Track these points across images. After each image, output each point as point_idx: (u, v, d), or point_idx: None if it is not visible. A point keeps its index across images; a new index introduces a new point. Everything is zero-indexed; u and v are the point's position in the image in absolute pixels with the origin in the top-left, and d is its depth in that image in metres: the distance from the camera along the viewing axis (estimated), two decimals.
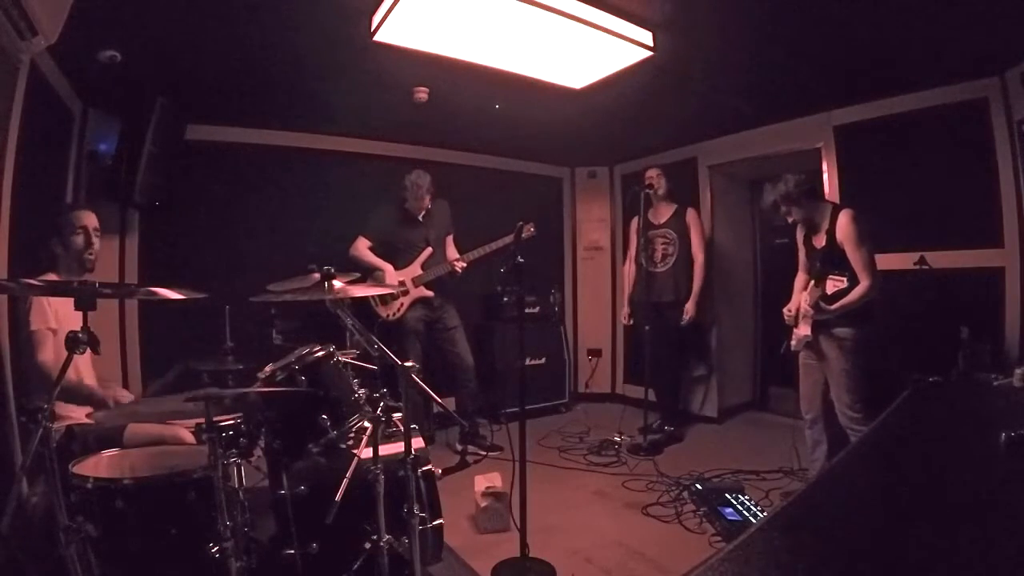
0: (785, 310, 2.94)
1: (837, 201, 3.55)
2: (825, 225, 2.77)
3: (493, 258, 3.67)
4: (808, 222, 2.87)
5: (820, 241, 2.82)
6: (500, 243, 3.65)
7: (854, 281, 2.63)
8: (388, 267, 3.71)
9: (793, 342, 2.88)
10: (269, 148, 4.05)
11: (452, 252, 3.90)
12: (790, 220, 2.90)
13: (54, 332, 2.02)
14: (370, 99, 3.55)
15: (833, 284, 2.64)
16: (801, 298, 2.87)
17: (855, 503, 1.02)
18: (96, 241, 2.25)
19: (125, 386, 3.03)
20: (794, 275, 3.11)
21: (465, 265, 3.75)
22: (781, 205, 2.83)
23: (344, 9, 2.39)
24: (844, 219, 2.69)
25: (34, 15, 2.08)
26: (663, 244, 4.17)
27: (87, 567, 1.44)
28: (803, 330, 2.80)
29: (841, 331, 2.69)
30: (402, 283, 3.70)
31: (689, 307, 4.03)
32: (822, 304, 2.64)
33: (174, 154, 3.33)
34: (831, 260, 2.70)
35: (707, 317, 4.44)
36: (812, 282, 2.74)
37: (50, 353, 2.00)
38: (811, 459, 3.00)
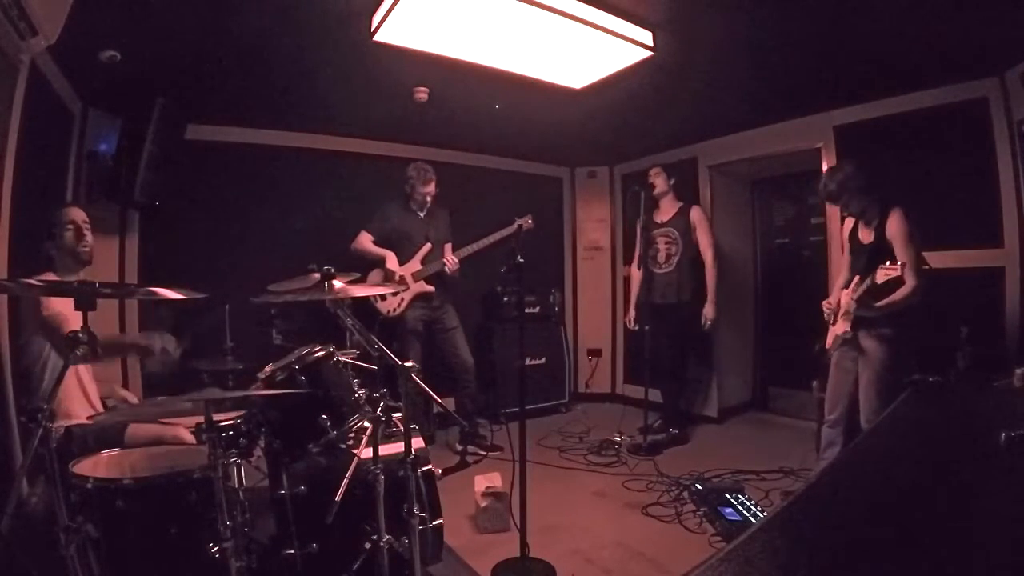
0: (824, 304, 2.88)
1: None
2: (875, 221, 2.71)
3: (491, 251, 3.67)
4: (862, 215, 2.78)
5: (867, 237, 2.76)
6: (496, 236, 3.64)
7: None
8: (390, 255, 3.71)
9: (829, 341, 2.84)
10: (269, 148, 4.05)
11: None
12: (847, 212, 2.79)
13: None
14: (370, 99, 3.55)
15: (885, 273, 2.50)
16: (841, 295, 2.82)
17: (855, 503, 1.02)
18: (88, 235, 2.23)
19: (124, 386, 3.03)
20: (793, 275, 3.10)
21: (457, 263, 3.72)
22: (842, 195, 2.73)
23: (344, 9, 2.40)
24: (896, 216, 2.63)
25: (34, 15, 2.08)
26: (666, 244, 4.11)
27: (87, 567, 1.44)
28: (841, 327, 2.74)
29: (885, 331, 2.64)
30: (402, 279, 3.71)
31: (708, 311, 3.92)
32: (868, 301, 2.57)
33: (174, 154, 3.33)
34: (879, 257, 2.63)
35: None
36: (857, 277, 2.70)
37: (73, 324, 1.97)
38: (821, 458, 2.98)
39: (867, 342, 2.70)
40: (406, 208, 3.82)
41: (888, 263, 2.51)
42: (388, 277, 3.71)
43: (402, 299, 3.73)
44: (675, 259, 4.07)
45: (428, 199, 3.77)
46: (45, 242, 2.18)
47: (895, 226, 2.62)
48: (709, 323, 3.94)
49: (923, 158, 3.40)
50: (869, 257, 2.68)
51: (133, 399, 2.11)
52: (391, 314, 3.73)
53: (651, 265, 4.13)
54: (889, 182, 3.43)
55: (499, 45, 2.70)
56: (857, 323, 2.69)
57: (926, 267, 3.23)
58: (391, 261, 3.70)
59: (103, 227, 2.35)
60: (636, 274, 4.25)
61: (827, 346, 2.85)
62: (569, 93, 3.31)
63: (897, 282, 2.53)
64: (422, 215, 3.81)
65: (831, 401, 2.92)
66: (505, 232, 3.54)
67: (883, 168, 3.57)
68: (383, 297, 3.73)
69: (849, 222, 2.94)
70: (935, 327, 3.05)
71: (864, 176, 2.73)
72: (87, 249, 2.22)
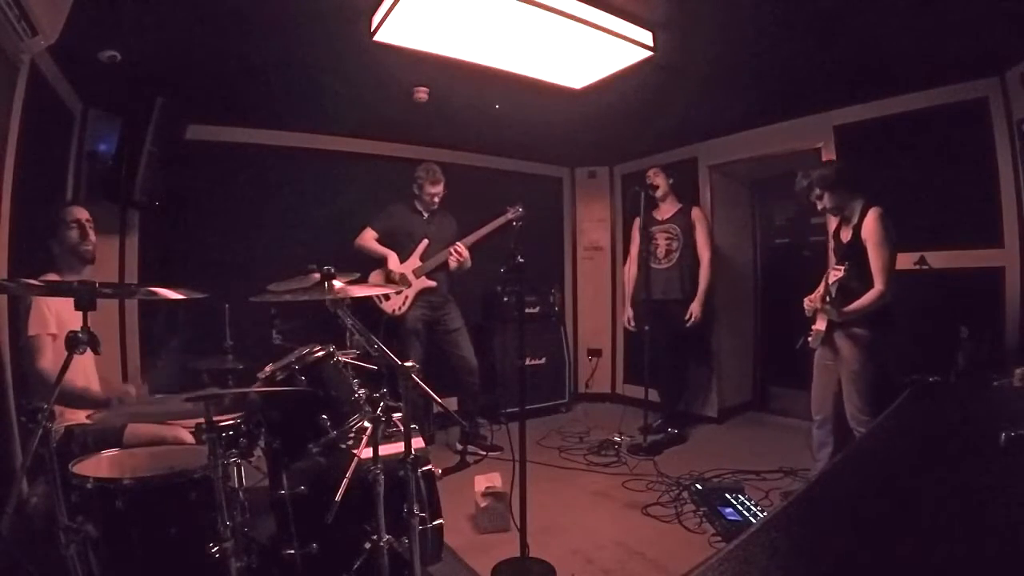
0: (806, 300, 2.86)
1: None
2: (854, 220, 2.72)
3: (491, 252, 3.67)
4: (838, 211, 2.80)
5: (846, 235, 2.76)
6: (488, 228, 3.69)
7: (852, 271, 2.60)
8: (392, 254, 3.72)
9: (810, 338, 2.82)
10: (269, 148, 4.05)
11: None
12: (820, 207, 2.82)
13: (54, 337, 2.01)
14: (370, 99, 3.55)
15: (833, 274, 2.62)
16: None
17: (855, 503, 1.02)
18: (92, 233, 2.24)
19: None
20: (793, 275, 3.10)
21: (465, 252, 3.72)
22: (816, 187, 2.76)
23: (344, 9, 2.40)
24: (871, 217, 2.63)
25: (34, 15, 2.08)
26: (667, 240, 4.13)
27: (87, 567, 1.44)
28: (819, 325, 2.74)
29: (857, 331, 2.64)
30: (403, 277, 3.71)
31: (695, 308, 3.97)
32: (835, 305, 2.59)
33: (174, 154, 3.33)
34: (851, 257, 2.66)
35: (708, 316, 4.44)
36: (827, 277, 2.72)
37: (49, 360, 1.98)
38: (815, 459, 2.98)
39: (841, 342, 2.70)
40: (411, 209, 3.84)
41: (836, 264, 2.63)
42: (388, 277, 3.71)
43: (406, 296, 3.73)
44: (675, 255, 4.09)
45: (436, 200, 3.78)
46: (48, 240, 2.18)
47: (869, 227, 2.63)
48: (693, 319, 3.98)
49: (923, 158, 3.40)
50: (844, 256, 2.70)
51: (134, 392, 2.11)
52: (395, 313, 3.73)
53: (650, 261, 4.13)
54: (876, 184, 3.45)
55: (499, 45, 2.70)
56: (832, 323, 2.69)
57: (926, 267, 3.23)
58: (392, 261, 3.71)
59: (103, 227, 2.35)
60: (630, 272, 4.26)
61: (809, 342, 2.84)
62: (569, 93, 3.30)
63: (858, 282, 2.59)
64: (426, 216, 3.82)
65: (816, 402, 2.91)
66: (497, 223, 3.56)
67: (875, 168, 3.59)
68: (387, 296, 3.74)
69: (834, 221, 2.94)
70: (935, 327, 3.05)
71: (836, 172, 2.76)
72: (90, 248, 2.23)
